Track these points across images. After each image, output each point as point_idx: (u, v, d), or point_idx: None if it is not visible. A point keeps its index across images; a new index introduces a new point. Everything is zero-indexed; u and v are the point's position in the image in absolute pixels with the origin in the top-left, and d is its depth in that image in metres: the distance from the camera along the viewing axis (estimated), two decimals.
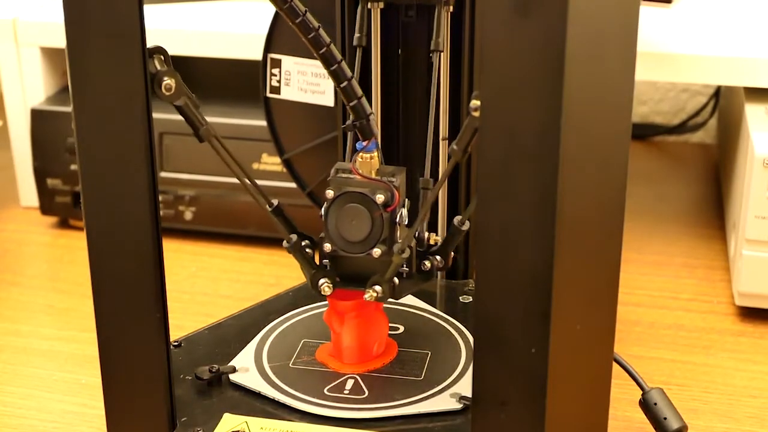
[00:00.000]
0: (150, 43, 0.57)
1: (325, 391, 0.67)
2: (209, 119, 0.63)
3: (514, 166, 0.50)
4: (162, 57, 0.59)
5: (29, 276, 0.99)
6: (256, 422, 0.64)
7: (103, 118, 0.57)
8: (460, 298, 0.79)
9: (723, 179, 1.10)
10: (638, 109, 1.34)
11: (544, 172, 0.50)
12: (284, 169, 0.90)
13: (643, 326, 0.88)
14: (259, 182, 0.99)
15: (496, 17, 0.49)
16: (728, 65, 0.91)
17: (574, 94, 0.49)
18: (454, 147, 0.60)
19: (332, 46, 0.65)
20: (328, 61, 0.65)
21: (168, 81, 0.59)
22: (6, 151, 1.12)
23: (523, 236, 0.51)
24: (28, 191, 1.10)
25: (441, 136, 0.78)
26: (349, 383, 0.68)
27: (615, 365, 0.65)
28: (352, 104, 0.67)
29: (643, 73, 0.91)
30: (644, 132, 1.32)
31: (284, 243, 0.67)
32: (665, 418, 0.69)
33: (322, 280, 0.67)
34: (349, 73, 0.66)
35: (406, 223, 0.66)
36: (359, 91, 0.67)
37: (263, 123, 0.89)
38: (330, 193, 0.65)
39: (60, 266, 1.01)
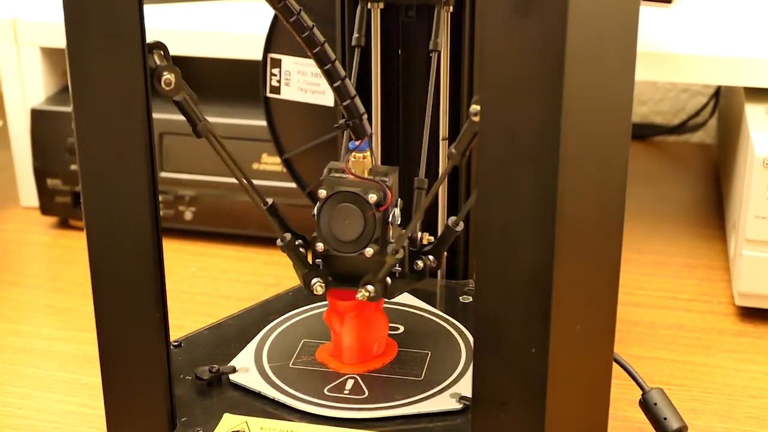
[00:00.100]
0: (150, 41, 0.57)
1: (325, 391, 0.67)
2: (209, 120, 0.63)
3: (514, 166, 0.50)
4: (162, 52, 0.59)
5: (29, 276, 0.99)
6: (256, 422, 0.64)
7: (103, 118, 0.57)
8: (460, 298, 0.79)
9: (723, 179, 1.10)
10: (638, 109, 1.34)
11: (544, 172, 0.50)
12: (284, 169, 0.90)
13: (643, 326, 0.88)
14: (260, 182, 0.99)
15: (496, 17, 0.49)
16: (728, 65, 0.91)
17: (574, 94, 0.49)
18: (453, 150, 0.60)
19: (326, 46, 0.65)
20: (321, 61, 0.65)
21: (168, 76, 0.59)
22: (6, 151, 1.12)
23: (523, 236, 0.51)
24: (28, 191, 1.10)
25: (441, 137, 0.78)
26: (349, 383, 0.68)
27: (615, 365, 0.65)
28: (345, 104, 0.67)
29: (643, 73, 0.91)
30: (644, 132, 1.32)
31: (278, 242, 0.67)
32: (665, 418, 0.69)
33: (314, 280, 0.67)
34: (342, 72, 0.66)
35: (399, 222, 0.66)
36: (352, 91, 0.67)
37: (263, 123, 0.89)
38: (322, 193, 0.66)
39: (60, 266, 1.01)
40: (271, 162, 0.99)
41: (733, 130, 1.02)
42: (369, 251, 0.65)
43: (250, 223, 1.02)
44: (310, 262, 0.68)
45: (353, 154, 0.66)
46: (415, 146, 0.81)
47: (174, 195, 1.03)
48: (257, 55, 0.88)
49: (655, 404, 0.69)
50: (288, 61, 0.86)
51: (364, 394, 0.67)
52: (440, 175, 0.76)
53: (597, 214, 0.55)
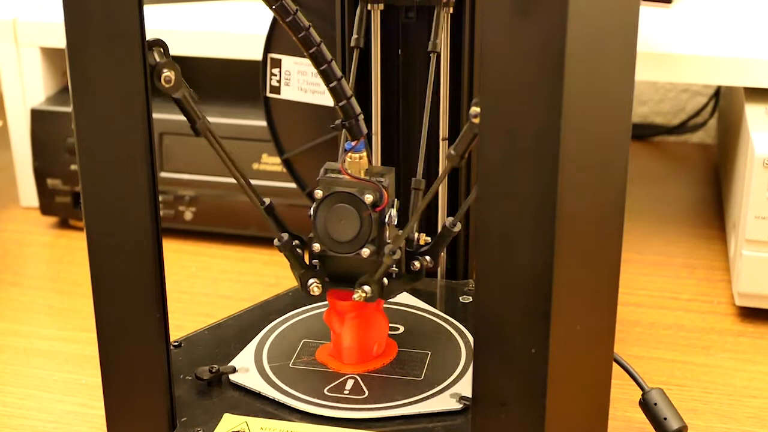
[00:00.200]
0: (150, 38, 0.57)
1: (325, 391, 0.67)
2: (209, 120, 0.63)
3: (514, 166, 0.50)
4: (161, 49, 0.59)
5: (29, 276, 0.99)
6: (256, 422, 0.64)
7: (103, 118, 0.57)
8: (460, 298, 0.79)
9: (723, 179, 1.10)
10: (638, 109, 1.34)
11: (544, 172, 0.50)
12: (284, 170, 0.90)
13: (643, 326, 0.88)
14: (260, 182, 0.99)
15: (496, 18, 0.49)
16: (728, 65, 0.91)
17: (574, 94, 0.49)
18: (452, 152, 0.60)
19: (323, 46, 0.65)
20: (318, 61, 0.65)
21: (167, 73, 0.59)
22: (6, 151, 1.12)
23: (523, 236, 0.51)
24: (28, 191, 1.10)
25: (441, 137, 0.78)
26: (349, 383, 0.68)
27: (615, 365, 0.65)
28: (341, 104, 0.67)
29: (643, 73, 0.91)
30: (644, 132, 1.32)
31: (275, 241, 0.67)
32: (665, 419, 0.69)
33: (311, 280, 0.67)
34: (338, 73, 0.66)
35: (395, 223, 0.66)
36: (348, 91, 0.67)
37: (263, 123, 0.89)
38: (319, 193, 0.66)
39: (60, 266, 1.01)
40: (271, 162, 0.99)
41: (733, 130, 1.02)
42: (365, 252, 0.65)
43: (251, 224, 1.02)
44: (307, 263, 0.68)
45: (349, 154, 0.66)
46: (414, 147, 0.81)
47: (174, 195, 1.03)
48: (257, 55, 0.88)
49: (655, 404, 0.69)
50: (288, 61, 0.86)
51: (364, 394, 0.67)
52: (438, 176, 0.75)
53: (597, 214, 0.55)
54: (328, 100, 0.85)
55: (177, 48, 0.99)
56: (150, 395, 0.62)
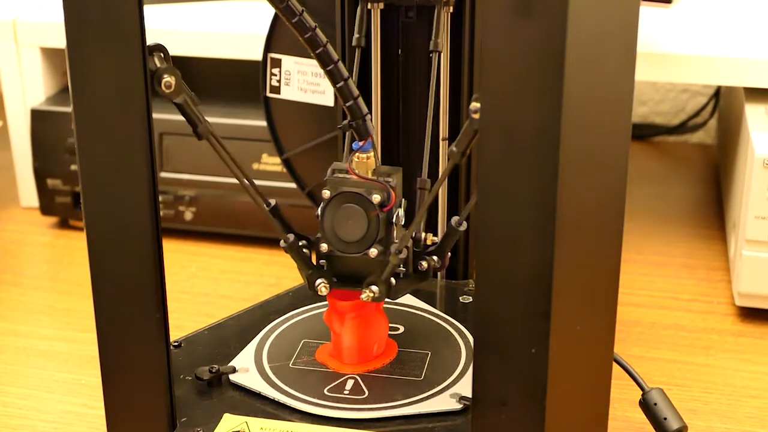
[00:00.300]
0: (150, 43, 0.57)
1: (325, 391, 0.67)
2: (209, 120, 0.63)
3: (514, 166, 0.50)
4: (162, 54, 0.59)
5: (29, 276, 0.99)
6: (256, 422, 0.64)
7: (103, 119, 0.57)
8: (460, 298, 0.79)
9: (723, 179, 1.10)
10: (638, 109, 1.34)
11: (544, 172, 0.50)
12: (284, 169, 0.90)
13: (644, 326, 0.88)
14: (260, 182, 0.99)
15: (496, 17, 0.49)
16: (728, 65, 0.91)
17: (574, 94, 0.49)
18: (453, 149, 0.60)
19: (329, 46, 0.65)
20: (324, 61, 0.65)
21: (168, 78, 0.59)
22: (6, 151, 1.12)
23: (523, 236, 0.51)
24: (28, 191, 1.10)
25: (441, 137, 0.78)
26: (349, 383, 0.68)
27: (615, 365, 0.65)
28: (348, 104, 0.67)
29: (643, 73, 0.91)
30: (644, 132, 1.32)
31: (281, 243, 0.67)
32: (665, 419, 0.69)
33: (318, 281, 0.67)
34: (345, 73, 0.66)
35: (403, 223, 0.66)
36: (355, 91, 0.67)
37: (263, 123, 0.89)
38: (326, 194, 0.65)
39: (60, 266, 1.01)
40: (271, 162, 0.99)
41: (733, 131, 1.02)
42: (373, 252, 0.65)
43: (251, 224, 1.02)
44: (314, 263, 0.67)
45: (357, 154, 0.66)
46: (414, 146, 0.81)
47: (174, 195, 1.03)
48: (257, 55, 0.88)
49: (655, 404, 0.69)
50: (288, 61, 0.86)
51: (364, 394, 0.67)
52: (441, 174, 0.75)
53: (597, 214, 0.55)
54: (328, 100, 0.85)
55: (177, 48, 0.99)
56: (150, 395, 0.62)
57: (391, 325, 0.72)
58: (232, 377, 0.68)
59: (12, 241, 1.06)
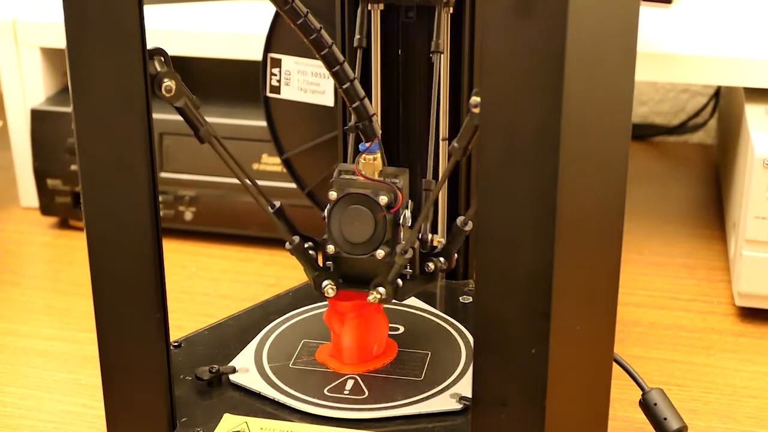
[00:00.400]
0: (150, 43, 0.57)
1: (325, 391, 0.67)
2: (209, 120, 0.63)
3: (514, 166, 0.50)
4: (162, 58, 0.59)
5: (29, 276, 0.99)
6: (256, 422, 0.64)
7: (103, 119, 0.57)
8: (460, 298, 0.79)
9: (723, 179, 1.10)
10: (638, 109, 1.34)
11: (544, 172, 0.50)
12: (284, 170, 0.90)
13: (644, 327, 0.88)
14: (260, 182, 0.99)
15: (497, 17, 0.49)
16: (728, 65, 0.91)
17: (574, 94, 0.49)
18: (455, 145, 0.60)
19: (334, 48, 0.65)
20: (330, 63, 0.65)
21: (168, 83, 0.59)
22: (6, 151, 1.12)
23: (523, 236, 0.51)
24: (28, 191, 1.10)
25: (441, 137, 0.78)
26: (349, 383, 0.68)
27: (615, 365, 0.65)
28: (354, 105, 0.67)
29: (643, 73, 0.91)
30: (644, 132, 1.32)
31: (286, 245, 0.67)
32: (665, 419, 0.69)
33: (325, 282, 0.67)
34: (351, 74, 0.66)
35: (410, 224, 0.66)
36: (362, 92, 0.67)
37: (263, 123, 0.89)
38: (333, 195, 0.65)
39: (60, 266, 1.01)
40: (271, 162, 0.99)
41: (733, 131, 1.02)
42: (380, 253, 0.65)
43: (251, 224, 1.02)
44: (320, 265, 0.67)
45: (363, 155, 0.66)
46: (414, 147, 0.81)
47: (174, 195, 1.03)
48: (257, 55, 0.88)
49: (655, 404, 0.69)
50: (288, 61, 0.86)
51: (364, 394, 0.67)
52: (443, 172, 0.75)
53: (597, 215, 0.55)
54: (328, 100, 0.85)
55: (177, 48, 0.99)
56: (150, 395, 0.62)
57: (391, 325, 0.72)
58: (232, 377, 0.68)
59: (12, 241, 1.06)
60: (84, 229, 0.60)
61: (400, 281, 0.66)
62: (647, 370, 0.81)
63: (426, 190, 0.69)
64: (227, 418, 0.65)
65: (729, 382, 0.81)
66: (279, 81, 0.87)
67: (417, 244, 0.66)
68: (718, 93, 1.28)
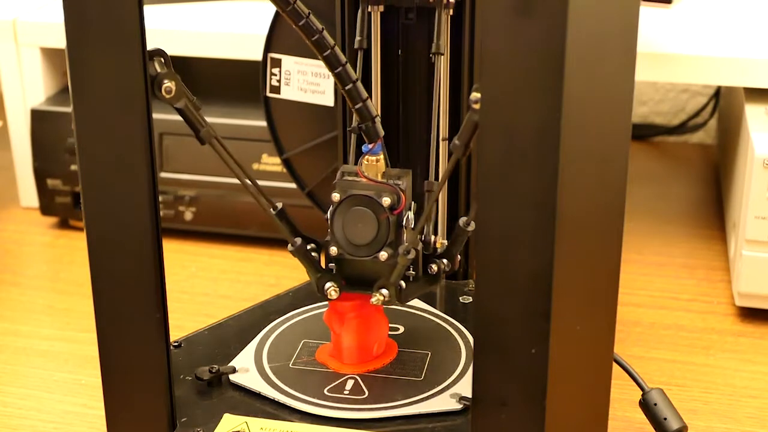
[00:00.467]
0: (150, 43, 0.57)
1: (325, 391, 0.67)
2: (209, 120, 0.63)
3: (514, 166, 0.50)
4: (162, 59, 0.59)
5: (29, 276, 0.99)
6: (256, 422, 0.64)
7: (103, 119, 0.57)
8: (460, 298, 0.79)
9: (723, 179, 1.10)
10: (638, 109, 1.34)
11: (544, 172, 0.50)
12: (284, 170, 0.90)
13: (644, 327, 0.88)
14: (260, 183, 0.99)
15: (497, 17, 0.49)
16: (728, 65, 0.91)
17: (574, 94, 0.49)
18: (456, 142, 0.59)
19: (336, 49, 0.65)
20: (332, 64, 0.65)
21: (168, 84, 0.59)
22: (6, 151, 1.12)
23: (523, 236, 0.51)
24: (28, 191, 1.10)
25: (441, 137, 0.78)
26: (349, 384, 0.68)
27: (615, 365, 0.65)
28: (357, 107, 0.66)
29: (643, 73, 0.91)
30: (644, 132, 1.32)
31: (289, 247, 0.67)
32: (665, 419, 0.69)
33: (328, 284, 0.66)
34: (353, 75, 0.66)
35: (413, 226, 0.66)
36: (364, 93, 0.67)
37: (263, 123, 0.89)
38: (336, 197, 0.65)
39: (60, 266, 1.01)
40: (271, 162, 0.99)
41: (733, 131, 1.02)
42: (383, 255, 0.64)
43: (251, 224, 1.02)
44: (323, 266, 0.67)
45: (366, 157, 0.66)
46: (414, 148, 0.81)
47: (174, 195, 1.03)
48: (257, 55, 0.88)
49: (655, 404, 0.69)
50: (288, 61, 0.86)
51: (364, 394, 0.67)
52: (444, 171, 0.75)
53: (597, 215, 0.55)
54: (328, 100, 0.85)
55: (177, 48, 0.99)
56: (150, 395, 0.62)
57: (391, 325, 0.72)
58: (232, 377, 0.68)
59: (12, 241, 1.06)
60: (84, 229, 0.60)
61: (403, 283, 0.66)
62: (647, 370, 0.81)
63: (428, 192, 0.69)
64: (227, 418, 0.65)
65: (729, 382, 0.81)
66: (279, 81, 0.87)
67: (420, 246, 0.66)
68: (718, 93, 1.28)
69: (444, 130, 0.78)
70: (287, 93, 0.87)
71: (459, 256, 0.68)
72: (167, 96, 0.59)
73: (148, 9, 0.61)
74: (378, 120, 0.67)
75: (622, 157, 0.55)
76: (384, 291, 0.65)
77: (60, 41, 1.02)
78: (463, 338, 0.73)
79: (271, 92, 0.87)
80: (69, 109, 0.63)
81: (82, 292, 0.95)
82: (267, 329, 0.74)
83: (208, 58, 1.01)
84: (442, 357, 0.70)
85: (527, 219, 0.51)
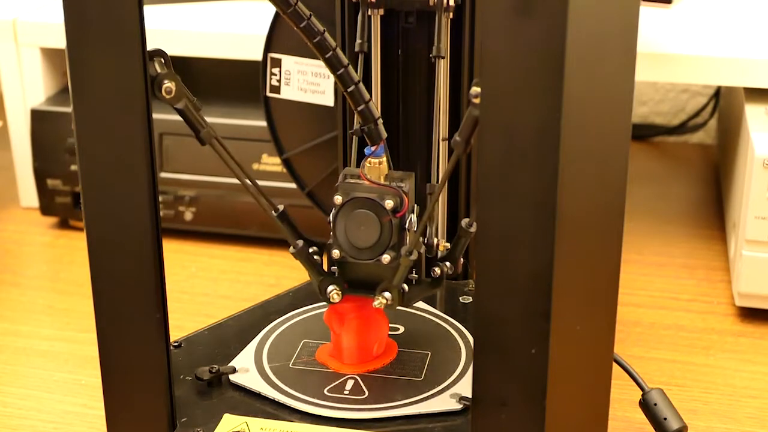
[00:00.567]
0: (150, 43, 0.57)
1: (325, 391, 0.67)
2: (209, 120, 0.63)
3: (514, 166, 0.50)
4: (162, 60, 0.59)
5: (29, 276, 0.99)
6: (256, 423, 0.64)
7: (103, 119, 0.57)
8: (460, 298, 0.79)
9: (723, 179, 1.10)
10: (638, 109, 1.34)
11: (544, 172, 0.50)
12: (284, 170, 0.90)
13: (644, 327, 0.88)
14: (259, 183, 0.99)
15: (496, 18, 0.49)
16: (728, 65, 0.91)
17: (574, 94, 0.49)
18: (457, 138, 0.59)
19: (338, 50, 0.64)
20: (334, 66, 0.65)
21: (168, 84, 0.59)
22: (6, 151, 1.12)
23: (523, 236, 0.51)
24: (28, 191, 1.10)
25: (440, 137, 0.78)
26: (349, 384, 0.68)
27: (615, 365, 0.65)
28: (359, 108, 0.66)
29: (643, 73, 0.91)
30: (644, 132, 1.32)
31: (290, 249, 0.66)
32: (665, 419, 0.69)
33: (330, 287, 0.66)
34: (356, 77, 0.66)
35: (416, 228, 0.66)
36: (367, 95, 0.66)
37: (263, 123, 0.89)
38: (338, 199, 0.65)
39: (60, 266, 1.01)
40: (271, 162, 0.99)
41: (733, 131, 1.02)
42: (386, 258, 0.64)
43: (251, 224, 1.02)
44: (325, 269, 0.67)
45: (369, 159, 0.65)
46: (415, 150, 0.81)
47: (174, 195, 1.03)
48: (257, 55, 0.88)
49: (655, 404, 0.69)
50: (288, 61, 0.86)
51: (364, 394, 0.67)
52: (445, 169, 0.75)
53: (597, 215, 0.55)
54: (328, 100, 0.85)
55: (177, 48, 0.99)
56: (150, 395, 0.62)
57: (391, 325, 0.72)
58: (232, 377, 0.68)
59: (12, 241, 1.06)
60: (84, 229, 0.60)
61: (405, 286, 0.65)
62: (647, 370, 0.81)
63: (431, 194, 0.68)
64: (227, 418, 0.65)
65: (729, 382, 0.81)
66: (279, 81, 0.87)
67: (423, 249, 0.66)
68: (718, 93, 1.28)
69: (444, 132, 0.78)
70: (287, 93, 0.87)
71: (462, 259, 0.68)
72: (167, 96, 0.59)
73: (148, 9, 0.61)
74: (380, 122, 0.67)
75: (622, 157, 0.55)
76: (387, 294, 0.64)
77: (60, 41, 1.02)
78: (463, 338, 0.73)
79: (271, 92, 0.87)
80: (69, 109, 0.63)
81: (82, 292, 0.95)
82: (267, 329, 0.74)
83: (208, 58, 1.01)
84: (442, 357, 0.70)
85: (527, 219, 0.51)
